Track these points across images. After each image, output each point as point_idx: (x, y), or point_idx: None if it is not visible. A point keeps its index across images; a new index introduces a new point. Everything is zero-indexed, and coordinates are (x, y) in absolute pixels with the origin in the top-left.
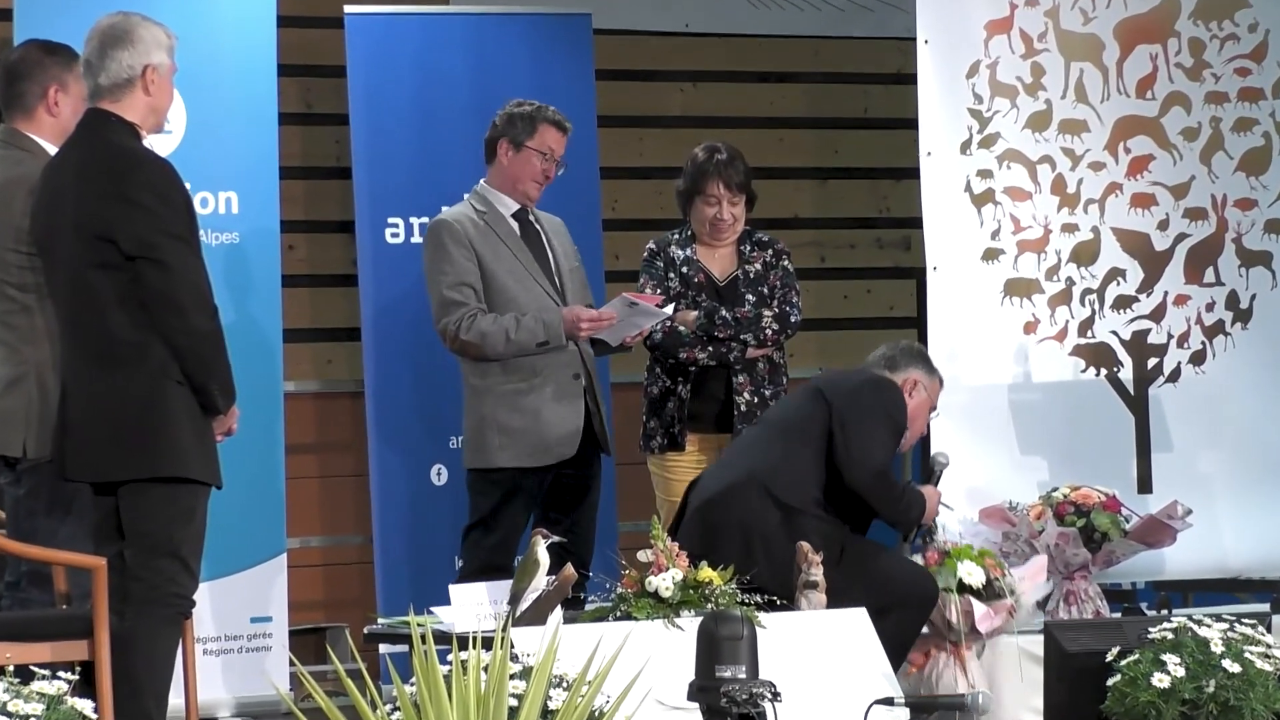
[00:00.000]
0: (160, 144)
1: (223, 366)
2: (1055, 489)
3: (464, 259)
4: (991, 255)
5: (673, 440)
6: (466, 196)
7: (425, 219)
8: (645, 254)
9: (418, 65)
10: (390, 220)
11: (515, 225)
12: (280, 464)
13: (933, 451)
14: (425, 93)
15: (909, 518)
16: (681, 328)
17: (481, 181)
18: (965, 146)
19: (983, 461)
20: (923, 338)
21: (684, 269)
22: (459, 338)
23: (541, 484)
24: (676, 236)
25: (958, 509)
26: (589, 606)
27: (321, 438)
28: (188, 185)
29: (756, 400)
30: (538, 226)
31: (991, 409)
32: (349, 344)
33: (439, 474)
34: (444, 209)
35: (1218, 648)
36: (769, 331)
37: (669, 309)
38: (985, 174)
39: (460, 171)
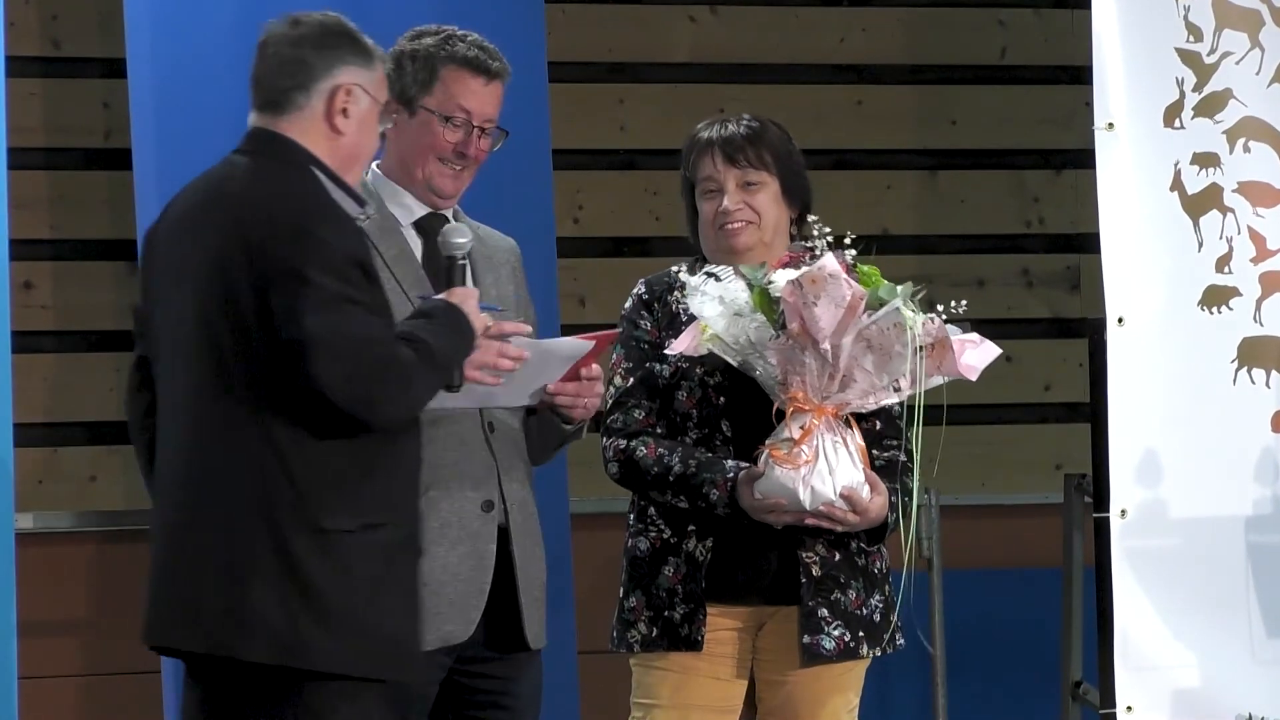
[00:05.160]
0: None
1: None
2: None
3: None
4: (1218, 299)
5: (673, 635)
6: None
7: None
8: (628, 307)
9: None
10: None
11: (415, 240)
12: (12, 657)
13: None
14: (257, 24)
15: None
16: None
17: (373, 166)
18: (1173, 114)
19: (1201, 647)
20: (1100, 432)
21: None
22: None
23: (430, 687)
24: (684, 273)
25: None
26: None
27: (83, 609)
28: None
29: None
30: None
31: (1215, 559)
32: (128, 448)
33: None
34: None
35: None
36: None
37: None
38: (1207, 160)
39: None
